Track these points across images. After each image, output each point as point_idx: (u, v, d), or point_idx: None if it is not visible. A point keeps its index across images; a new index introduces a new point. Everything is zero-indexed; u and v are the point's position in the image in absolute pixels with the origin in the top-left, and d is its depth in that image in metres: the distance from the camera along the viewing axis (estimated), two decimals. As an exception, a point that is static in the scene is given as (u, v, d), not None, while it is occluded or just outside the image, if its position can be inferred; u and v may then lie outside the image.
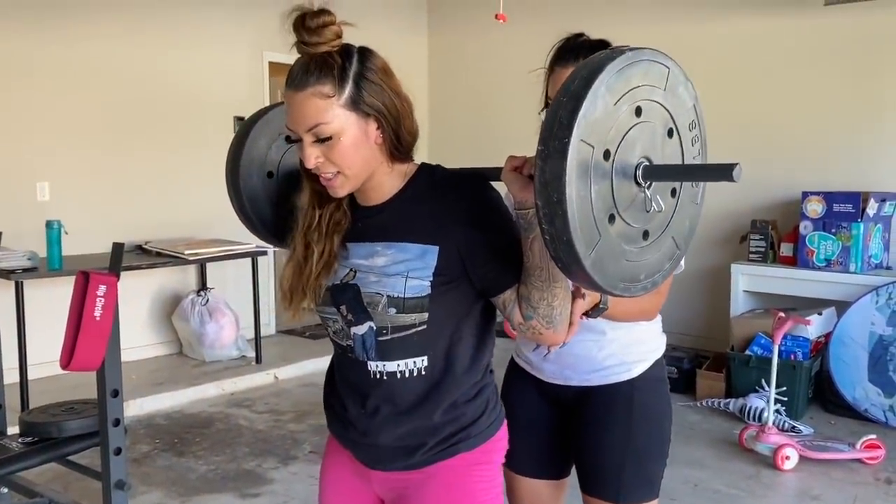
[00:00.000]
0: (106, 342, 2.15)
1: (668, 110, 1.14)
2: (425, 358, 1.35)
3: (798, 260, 4.57)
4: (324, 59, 1.23)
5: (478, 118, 6.66)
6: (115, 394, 2.23)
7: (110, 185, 5.06)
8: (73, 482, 3.34)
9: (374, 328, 1.34)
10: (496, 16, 2.89)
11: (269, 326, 5.95)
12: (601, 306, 1.48)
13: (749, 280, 4.76)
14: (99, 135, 4.99)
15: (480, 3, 6.50)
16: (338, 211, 1.38)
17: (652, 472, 1.75)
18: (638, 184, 1.10)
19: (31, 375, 4.17)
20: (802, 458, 3.61)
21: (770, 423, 3.71)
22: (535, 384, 1.83)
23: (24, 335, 4.12)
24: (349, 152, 1.26)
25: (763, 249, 4.73)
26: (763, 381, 4.16)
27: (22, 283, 4.08)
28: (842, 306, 4.32)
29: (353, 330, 1.36)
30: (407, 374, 1.36)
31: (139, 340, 5.20)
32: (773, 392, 3.78)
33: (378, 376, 1.36)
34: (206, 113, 5.54)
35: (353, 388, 1.42)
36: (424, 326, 1.32)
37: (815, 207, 4.48)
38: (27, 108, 4.68)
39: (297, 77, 1.24)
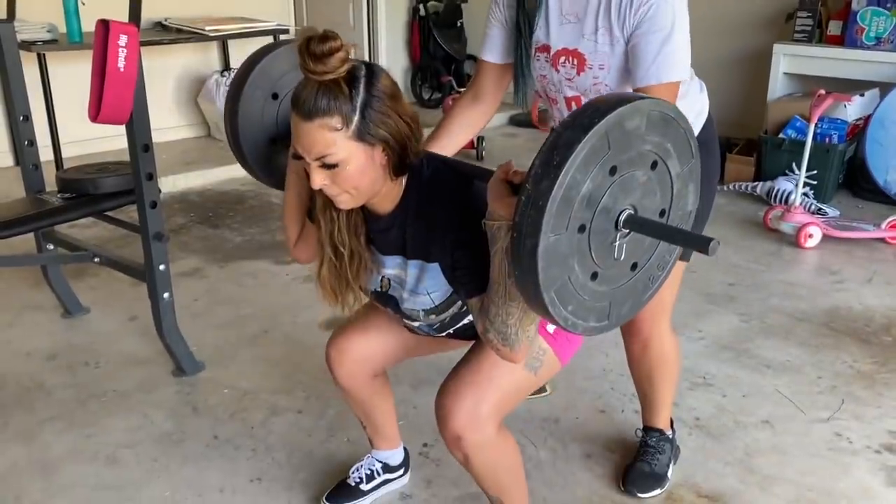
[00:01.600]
0: (132, 93, 2.13)
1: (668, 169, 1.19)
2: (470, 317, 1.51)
3: (846, 39, 4.33)
4: (330, 88, 1.23)
5: None
6: (146, 148, 2.25)
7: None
8: (113, 241, 3.49)
9: (425, 325, 1.55)
10: None
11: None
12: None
13: (791, 61, 4.55)
14: None
15: None
16: (355, 214, 1.46)
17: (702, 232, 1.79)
18: (617, 228, 1.13)
19: (64, 154, 4.24)
20: (826, 238, 3.64)
21: (797, 204, 3.71)
22: None
23: (53, 111, 4.14)
24: (355, 177, 1.30)
25: (810, 28, 4.47)
26: (794, 164, 4.11)
27: (44, 55, 4.03)
28: (886, 88, 4.15)
29: (406, 322, 1.60)
30: (464, 325, 1.55)
31: (167, 122, 5.20)
32: (803, 173, 3.74)
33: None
34: None
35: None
36: (465, 306, 1.46)
37: (871, -20, 4.17)
38: None
39: (306, 105, 1.24)
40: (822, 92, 3.66)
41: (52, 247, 2.75)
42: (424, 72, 6.51)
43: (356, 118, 1.25)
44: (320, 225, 1.47)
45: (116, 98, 2.12)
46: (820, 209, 4.00)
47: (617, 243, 1.15)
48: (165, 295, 2.39)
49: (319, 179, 1.30)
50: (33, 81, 4.17)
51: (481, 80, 1.82)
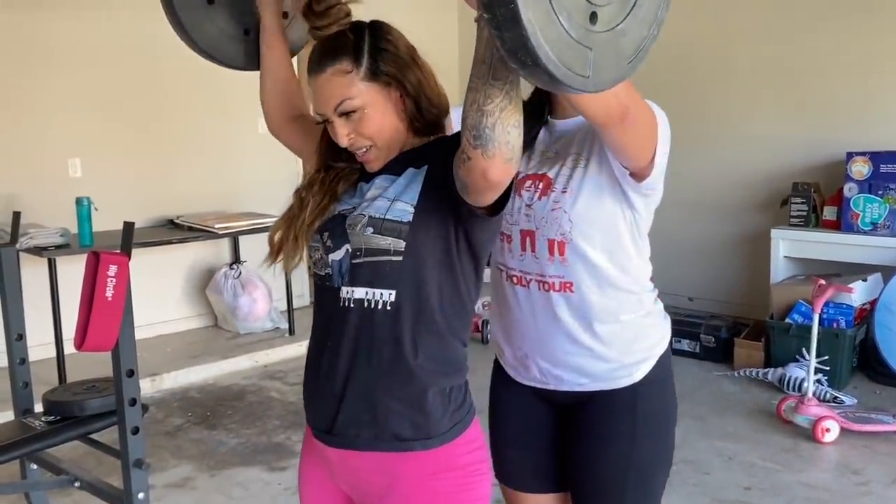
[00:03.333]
0: (119, 322, 2.14)
1: None
2: (393, 292, 1.30)
3: (842, 224, 4.38)
4: (337, 38, 1.30)
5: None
6: (131, 373, 2.23)
7: (141, 161, 5.07)
8: (101, 458, 3.39)
9: (350, 250, 1.33)
10: None
11: (302, 298, 5.96)
12: None
13: (790, 245, 4.59)
14: (128, 111, 5.00)
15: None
16: (349, 171, 1.41)
17: (656, 487, 1.60)
18: None
19: (67, 350, 4.25)
20: (844, 431, 3.48)
21: (810, 394, 3.59)
22: (521, 389, 1.63)
23: (58, 311, 4.19)
24: (378, 122, 1.31)
25: (805, 213, 4.54)
26: (804, 349, 4.02)
27: (55, 260, 4.14)
28: (888, 272, 4.14)
29: (331, 256, 1.35)
30: (377, 306, 1.30)
31: (174, 314, 5.26)
32: (812, 362, 3.65)
33: (350, 307, 1.32)
34: (234, 85, 5.49)
35: (326, 329, 1.37)
36: (399, 258, 1.29)
37: (860, 168, 4.27)
38: (57, 86, 4.70)
39: (315, 61, 1.30)
40: (823, 282, 3.65)
41: (35, 467, 2.67)
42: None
43: (366, 58, 1.28)
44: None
45: (103, 326, 2.13)
46: (836, 398, 3.87)
47: None
48: (144, 522, 2.28)
49: (344, 133, 1.30)
50: (42, 284, 4.30)
51: None
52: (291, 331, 5.17)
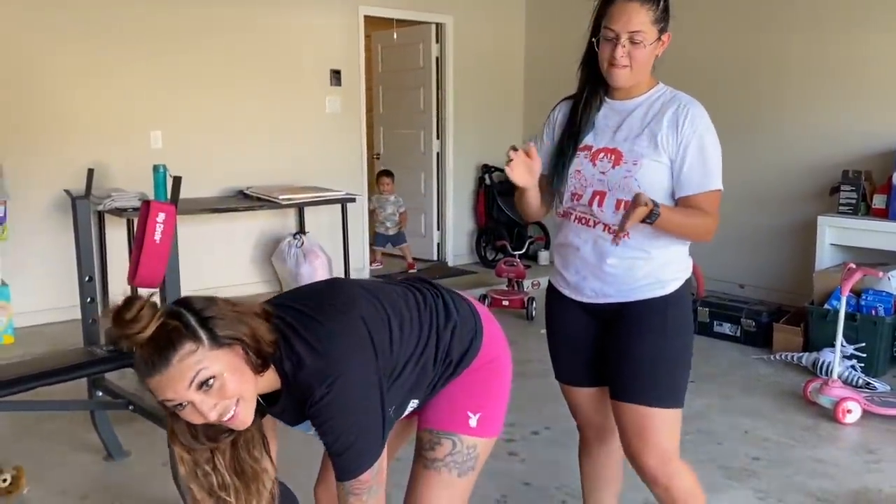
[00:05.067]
0: (165, 263, 2.46)
1: None
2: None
3: (890, 212, 4.34)
4: (163, 332, 1.27)
5: (568, 68, 6.62)
6: (175, 309, 2.54)
7: (217, 135, 5.49)
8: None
9: None
10: None
11: (363, 272, 6.28)
12: (655, 212, 1.72)
13: (837, 233, 4.57)
14: (207, 89, 5.41)
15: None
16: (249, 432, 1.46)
17: (680, 380, 1.94)
18: None
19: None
20: (867, 413, 3.51)
21: (835, 376, 3.62)
22: (575, 304, 2.02)
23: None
24: (237, 379, 1.33)
25: (854, 201, 4.51)
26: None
27: (133, 220, 4.57)
28: (934, 261, 4.09)
29: None
30: None
31: (243, 278, 5.66)
32: (838, 345, 3.68)
33: None
34: (304, 66, 5.85)
35: None
36: None
37: (911, 156, 4.23)
38: (144, 65, 5.14)
39: (153, 362, 1.27)
40: (852, 265, 3.67)
41: (100, 394, 3.04)
42: (489, 235, 6.84)
43: (202, 332, 1.29)
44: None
45: (151, 266, 2.45)
46: (868, 383, 3.87)
47: None
48: (182, 443, 2.59)
49: (210, 405, 1.30)
50: (121, 242, 4.75)
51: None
52: (347, 298, 5.47)
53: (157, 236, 2.44)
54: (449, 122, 6.72)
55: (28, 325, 4.70)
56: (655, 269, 1.93)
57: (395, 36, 6.84)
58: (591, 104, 1.97)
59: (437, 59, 6.66)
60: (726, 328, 4.74)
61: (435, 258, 6.89)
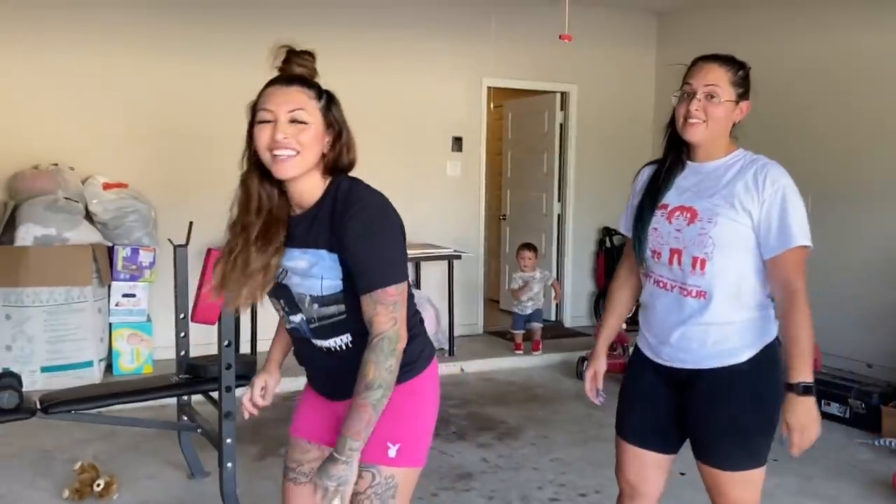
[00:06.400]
0: (221, 304, 2.83)
1: None
2: (349, 334, 1.70)
3: None
4: (306, 78, 1.67)
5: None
6: (228, 344, 2.90)
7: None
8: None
9: (305, 318, 1.72)
10: (560, 36, 3.04)
11: (476, 326, 6.49)
12: (806, 388, 1.83)
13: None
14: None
15: (711, 18, 6.44)
16: (278, 223, 1.69)
17: (755, 445, 1.94)
18: None
19: (259, 348, 5.20)
20: (960, 511, 3.17)
21: (925, 467, 3.31)
22: (653, 366, 2.06)
23: (256, 316, 5.15)
24: (311, 139, 1.62)
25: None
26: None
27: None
28: None
29: (291, 318, 1.76)
30: (341, 347, 1.73)
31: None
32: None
33: (322, 349, 1.76)
34: (428, 132, 6.27)
35: (308, 356, 1.81)
36: (344, 315, 1.69)
37: None
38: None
39: (285, 80, 1.65)
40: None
41: (185, 418, 3.47)
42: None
43: (324, 98, 1.65)
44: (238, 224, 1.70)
45: (207, 305, 2.83)
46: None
47: None
48: (229, 465, 2.93)
49: (282, 133, 1.59)
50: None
51: (631, 252, 2.12)
52: (451, 352, 5.71)
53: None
54: (570, 185, 6.85)
55: (166, 357, 5.36)
56: (730, 335, 1.94)
57: (520, 105, 7.14)
58: (673, 166, 2.04)
59: (560, 125, 6.86)
60: (834, 408, 4.42)
61: (553, 318, 6.96)
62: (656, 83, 7.08)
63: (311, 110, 1.63)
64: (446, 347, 5.76)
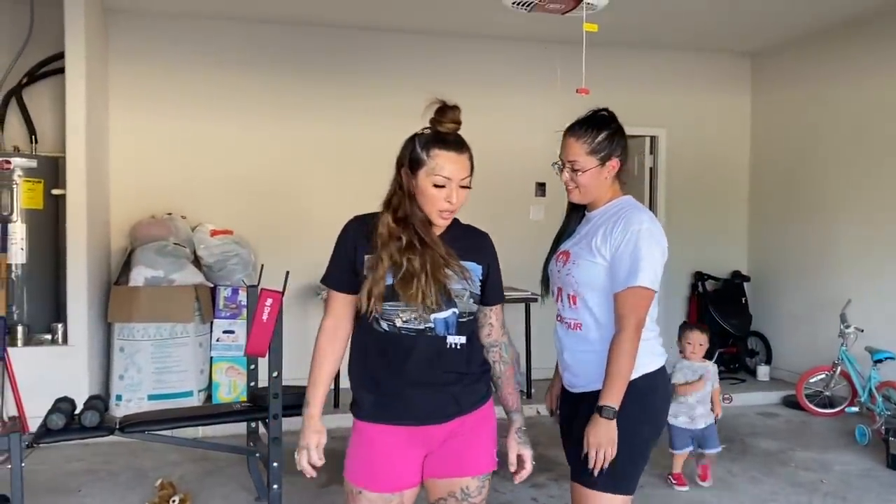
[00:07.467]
0: (269, 337, 3.13)
1: None
2: (464, 337, 1.99)
3: None
4: (468, 146, 2.06)
5: (799, 176, 6.38)
6: (277, 375, 3.19)
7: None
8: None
9: (458, 312, 1.97)
10: (577, 90, 3.14)
11: (552, 370, 6.50)
12: (605, 410, 2.05)
13: None
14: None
15: (805, 56, 6.31)
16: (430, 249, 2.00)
17: (622, 470, 2.09)
18: None
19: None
20: None
21: None
22: (566, 393, 2.31)
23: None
24: (465, 201, 2.06)
25: None
26: None
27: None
28: None
29: (435, 315, 1.94)
30: (459, 346, 1.98)
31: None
32: None
33: (453, 346, 1.97)
34: (512, 178, 6.46)
35: (419, 360, 1.95)
36: (472, 316, 2.01)
37: None
38: (375, 177, 6.14)
39: (459, 145, 1.99)
40: None
41: (252, 444, 3.79)
42: (699, 344, 6.60)
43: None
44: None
45: (259, 339, 3.14)
46: None
47: None
48: (275, 486, 3.19)
49: (457, 196, 1.97)
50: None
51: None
52: (528, 394, 5.78)
53: (265, 316, 3.14)
54: (659, 229, 6.79)
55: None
56: (604, 362, 2.10)
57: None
58: (571, 216, 2.37)
59: (650, 168, 6.85)
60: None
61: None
62: (752, 126, 6.95)
63: (468, 176, 1.99)
64: (524, 389, 5.84)
